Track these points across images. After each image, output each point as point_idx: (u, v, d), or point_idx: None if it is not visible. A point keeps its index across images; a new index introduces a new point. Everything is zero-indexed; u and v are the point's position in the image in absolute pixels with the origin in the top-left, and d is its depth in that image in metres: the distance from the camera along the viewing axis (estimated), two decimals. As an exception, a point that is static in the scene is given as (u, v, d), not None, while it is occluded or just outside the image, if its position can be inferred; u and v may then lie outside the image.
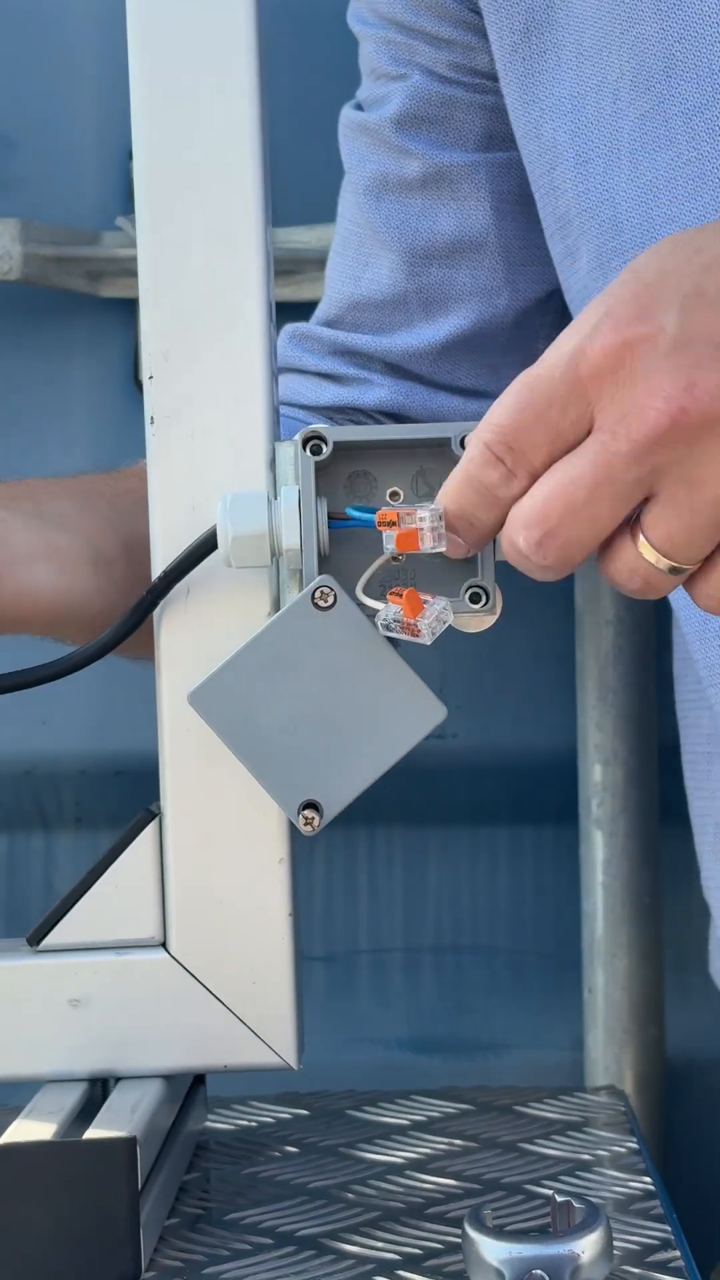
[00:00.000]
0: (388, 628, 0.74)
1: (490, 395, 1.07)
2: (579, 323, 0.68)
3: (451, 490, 0.71)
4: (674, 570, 0.69)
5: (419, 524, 0.72)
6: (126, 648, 0.84)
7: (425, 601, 0.73)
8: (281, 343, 1.10)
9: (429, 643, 0.74)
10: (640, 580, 0.70)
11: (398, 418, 1.09)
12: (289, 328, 1.10)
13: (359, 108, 1.08)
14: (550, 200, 0.99)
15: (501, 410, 0.68)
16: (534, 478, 0.69)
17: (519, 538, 0.69)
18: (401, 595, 0.73)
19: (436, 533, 0.72)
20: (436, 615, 0.73)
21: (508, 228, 1.05)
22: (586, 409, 0.67)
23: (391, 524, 0.73)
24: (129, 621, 0.81)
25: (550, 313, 1.09)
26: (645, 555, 0.69)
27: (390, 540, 0.73)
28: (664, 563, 0.69)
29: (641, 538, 0.69)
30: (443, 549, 0.72)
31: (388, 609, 0.74)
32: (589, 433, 0.68)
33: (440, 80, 1.03)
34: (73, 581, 0.86)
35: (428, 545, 0.72)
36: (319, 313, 1.11)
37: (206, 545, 0.79)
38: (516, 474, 0.69)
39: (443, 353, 1.07)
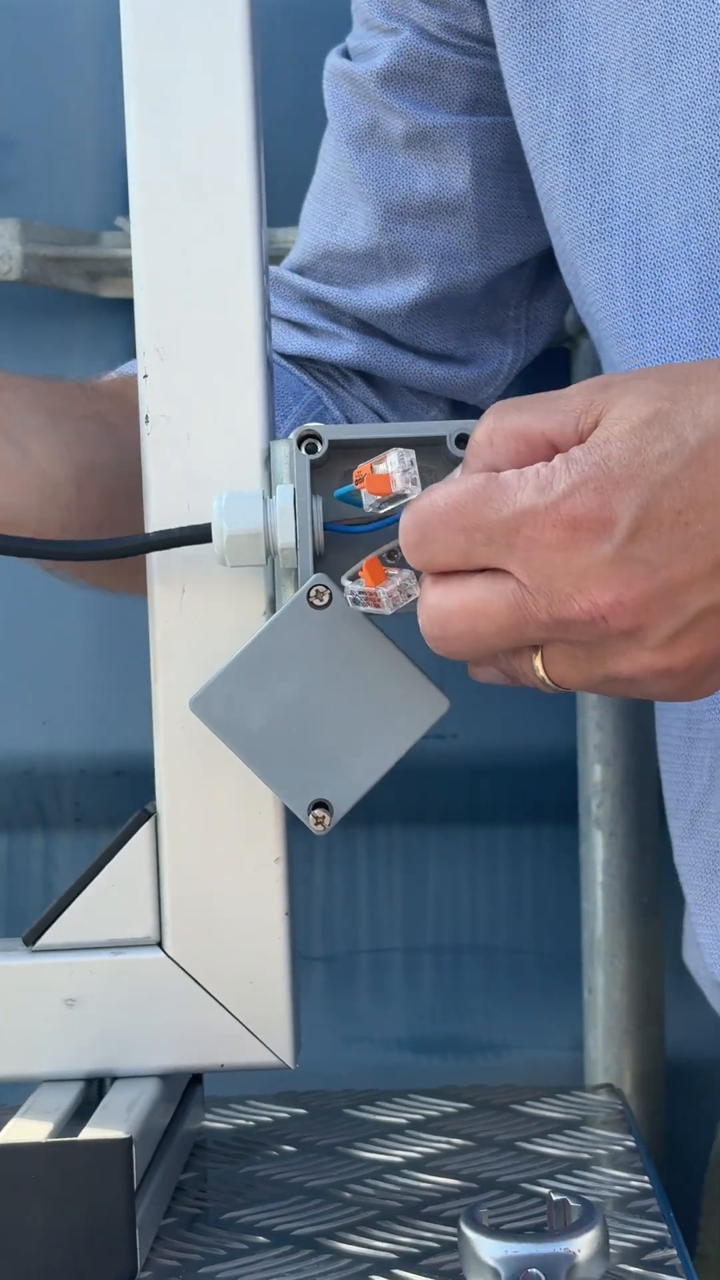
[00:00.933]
0: (355, 602, 0.74)
1: (457, 360, 1.07)
2: (547, 480, 0.69)
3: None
4: (552, 687, 0.73)
5: (389, 468, 0.72)
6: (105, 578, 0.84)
7: (390, 574, 0.74)
8: None
9: (389, 612, 0.74)
10: (522, 680, 0.74)
11: (365, 375, 1.09)
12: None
13: (346, 55, 1.07)
14: (539, 172, 0.99)
15: (443, 496, 0.70)
16: (430, 571, 0.72)
17: (421, 618, 0.72)
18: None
19: (409, 476, 0.73)
20: (398, 585, 0.74)
21: (486, 193, 1.04)
22: (509, 554, 0.69)
23: (362, 478, 0.73)
24: (109, 548, 0.80)
25: (521, 281, 1.09)
26: (536, 670, 0.73)
27: (365, 492, 0.73)
28: (550, 684, 0.73)
29: (538, 660, 0.72)
30: (415, 493, 0.73)
31: (353, 584, 0.74)
32: (495, 570, 0.70)
33: (430, 39, 1.02)
34: (14, 502, 0.85)
35: (398, 487, 0.72)
36: (291, 258, 1.10)
37: (200, 532, 0.79)
38: (414, 552, 0.71)
39: (411, 313, 1.06)
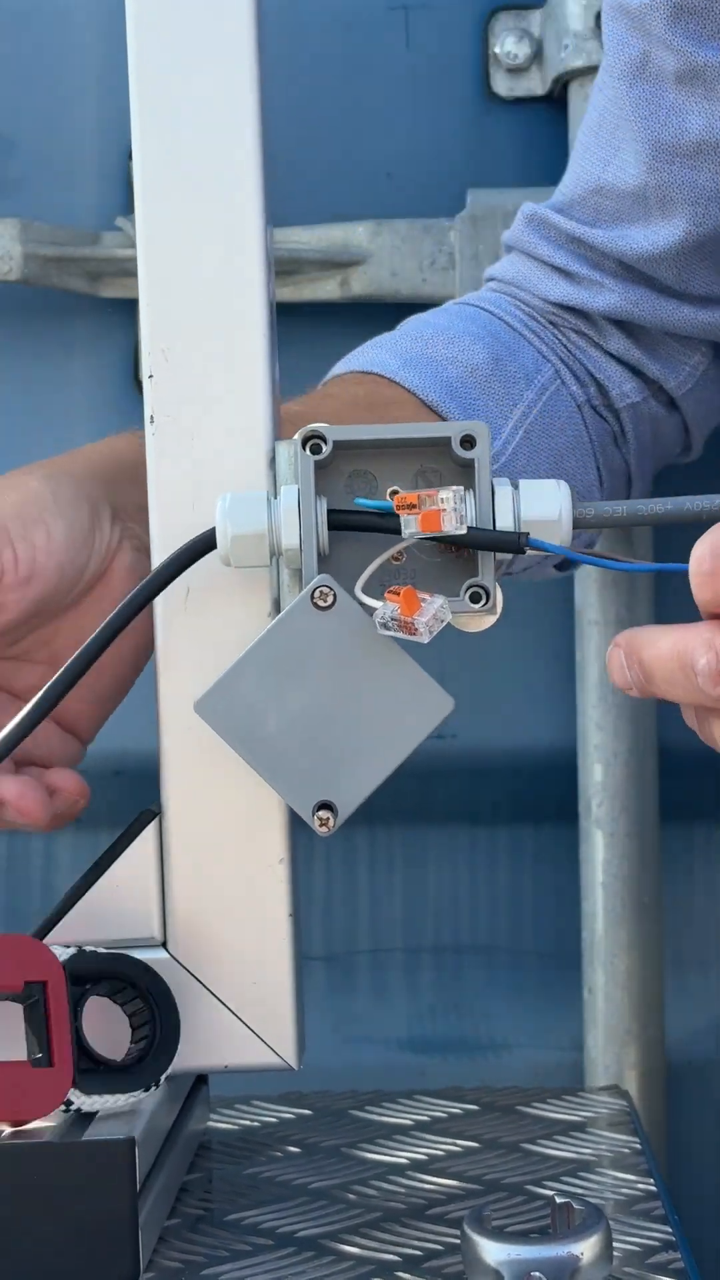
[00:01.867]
0: (385, 626, 0.74)
1: None
2: None
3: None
4: None
5: (441, 505, 0.72)
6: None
7: (423, 600, 0.73)
8: (518, 224, 1.08)
9: (426, 641, 0.74)
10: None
11: (625, 326, 1.06)
12: (526, 208, 1.08)
13: None
14: None
15: None
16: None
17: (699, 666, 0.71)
18: (399, 594, 0.73)
19: (459, 514, 0.72)
20: (434, 614, 0.73)
21: None
22: None
23: (412, 506, 0.73)
24: (123, 614, 0.80)
25: None
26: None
27: (412, 524, 0.73)
28: None
29: None
30: (463, 531, 0.72)
31: (385, 607, 0.74)
32: None
33: None
34: (79, 545, 0.86)
35: (450, 526, 0.72)
36: (556, 196, 1.08)
37: (205, 543, 0.79)
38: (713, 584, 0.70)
39: (678, 256, 1.03)
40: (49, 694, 0.79)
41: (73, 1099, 0.77)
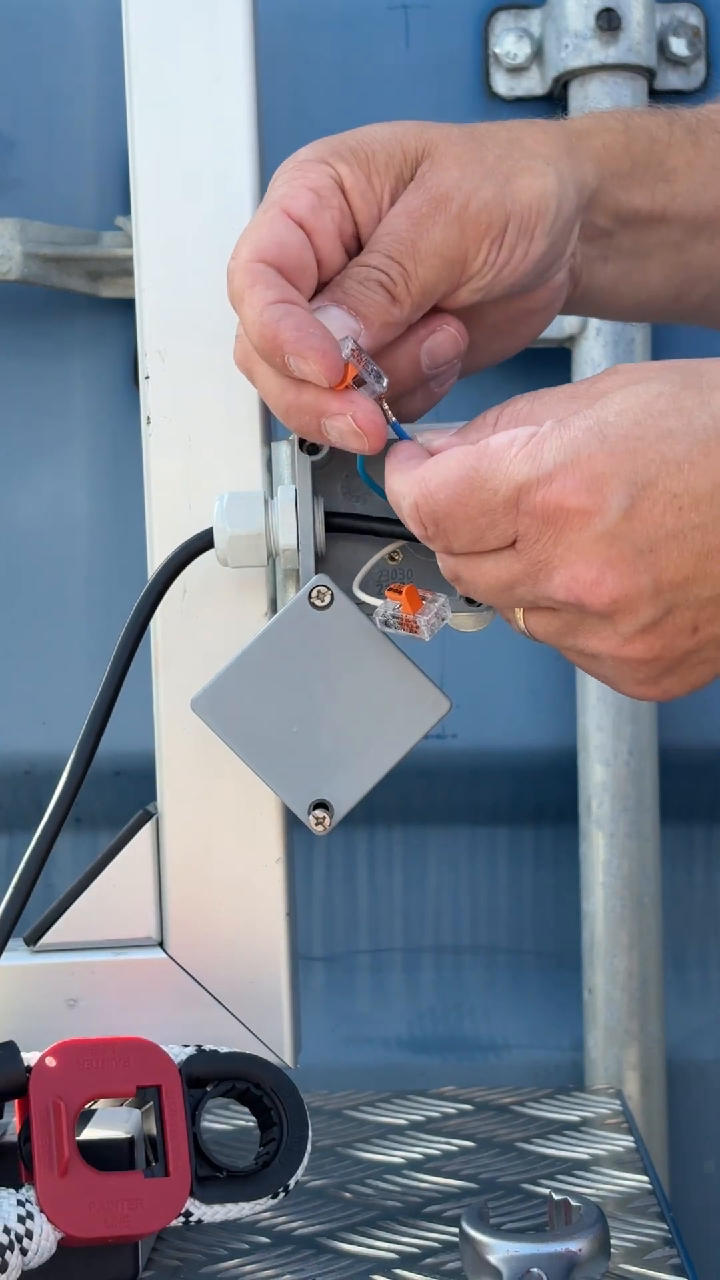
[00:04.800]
0: (386, 624, 0.74)
1: None
2: (537, 449, 0.67)
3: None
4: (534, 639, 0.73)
5: (424, 617, 0.74)
6: None
7: (425, 598, 0.73)
8: None
9: (428, 639, 0.74)
10: (507, 620, 0.74)
11: None
12: None
13: None
14: None
15: (441, 488, 0.69)
16: (448, 551, 0.71)
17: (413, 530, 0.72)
18: (400, 592, 0.73)
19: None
20: (435, 612, 0.74)
21: None
22: (512, 530, 0.68)
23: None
24: (133, 627, 0.80)
25: None
26: (518, 619, 0.72)
27: (389, 599, 0.74)
28: (529, 634, 0.72)
29: (521, 612, 0.72)
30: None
31: (386, 605, 0.74)
32: (510, 543, 0.69)
33: None
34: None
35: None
36: None
37: (202, 543, 0.79)
38: (435, 543, 0.71)
39: None
40: (82, 747, 0.80)
41: (191, 1210, 0.73)
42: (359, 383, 0.72)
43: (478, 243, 0.76)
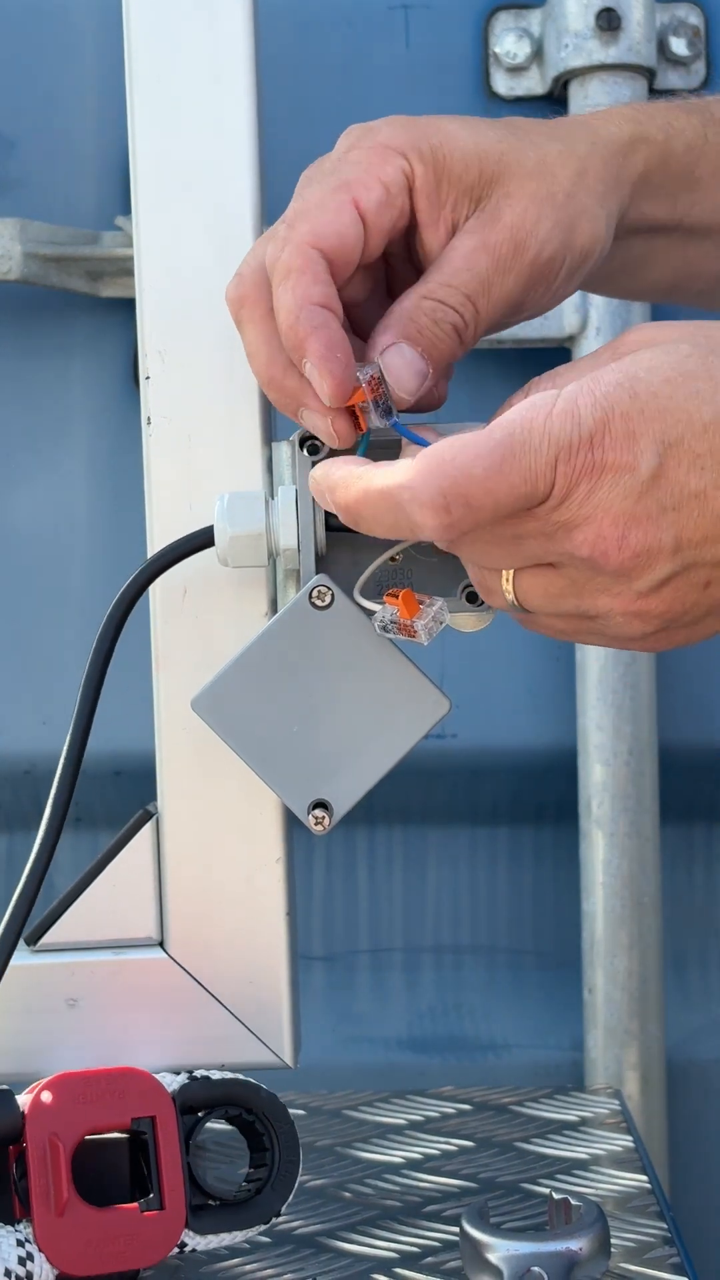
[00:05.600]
0: (385, 629, 0.74)
1: None
2: (572, 409, 0.66)
3: (366, 506, 0.69)
4: (515, 608, 0.71)
5: (421, 621, 0.73)
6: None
7: (421, 603, 0.73)
8: None
9: (426, 643, 0.74)
10: (486, 594, 0.72)
11: None
12: None
13: None
14: None
15: (475, 461, 0.66)
16: (464, 534, 0.68)
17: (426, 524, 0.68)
18: (398, 596, 0.74)
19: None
20: (433, 616, 0.73)
21: None
22: (548, 491, 0.67)
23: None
24: (119, 607, 0.80)
25: None
26: (503, 587, 0.71)
27: (387, 604, 0.73)
28: (514, 605, 0.71)
29: (507, 580, 0.70)
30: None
31: (384, 610, 0.74)
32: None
33: None
34: None
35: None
36: None
37: (201, 538, 0.79)
38: (455, 529, 0.68)
39: None
40: (72, 743, 0.80)
41: (186, 1240, 0.73)
42: (362, 409, 0.72)
43: (535, 288, 0.77)
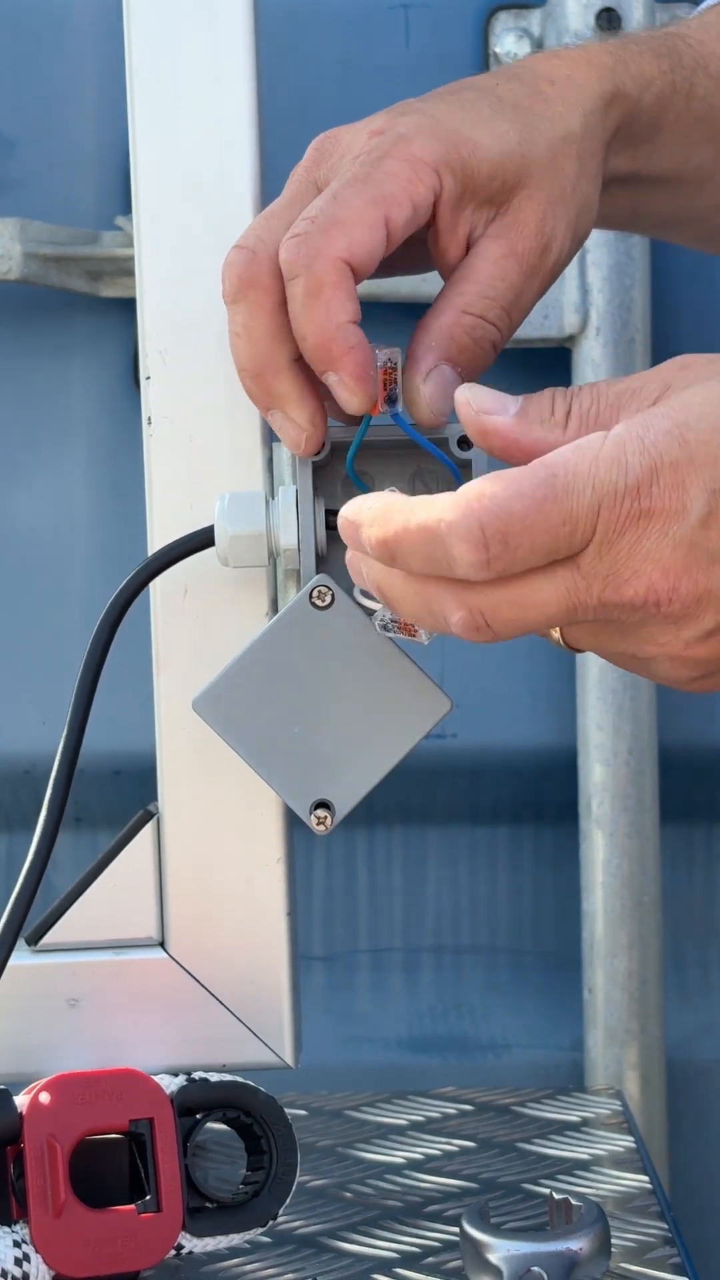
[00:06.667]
0: (385, 628, 0.74)
1: None
2: (620, 455, 0.65)
3: (404, 542, 0.67)
4: (562, 646, 0.71)
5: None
6: None
7: None
8: None
9: (426, 643, 0.74)
10: (528, 633, 0.70)
11: None
12: None
13: None
14: None
15: (516, 499, 0.65)
16: (502, 577, 0.66)
17: (452, 620, 0.67)
18: None
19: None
20: None
21: None
22: (589, 538, 0.65)
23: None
24: (118, 603, 0.80)
25: None
26: (553, 635, 0.70)
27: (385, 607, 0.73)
28: (562, 645, 0.70)
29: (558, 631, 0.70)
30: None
31: (385, 610, 0.74)
32: (576, 554, 0.66)
33: None
34: None
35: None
36: None
37: (201, 538, 0.79)
38: (491, 566, 0.66)
39: None
40: (70, 737, 0.80)
41: (183, 1243, 0.74)
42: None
43: (545, 288, 0.77)
